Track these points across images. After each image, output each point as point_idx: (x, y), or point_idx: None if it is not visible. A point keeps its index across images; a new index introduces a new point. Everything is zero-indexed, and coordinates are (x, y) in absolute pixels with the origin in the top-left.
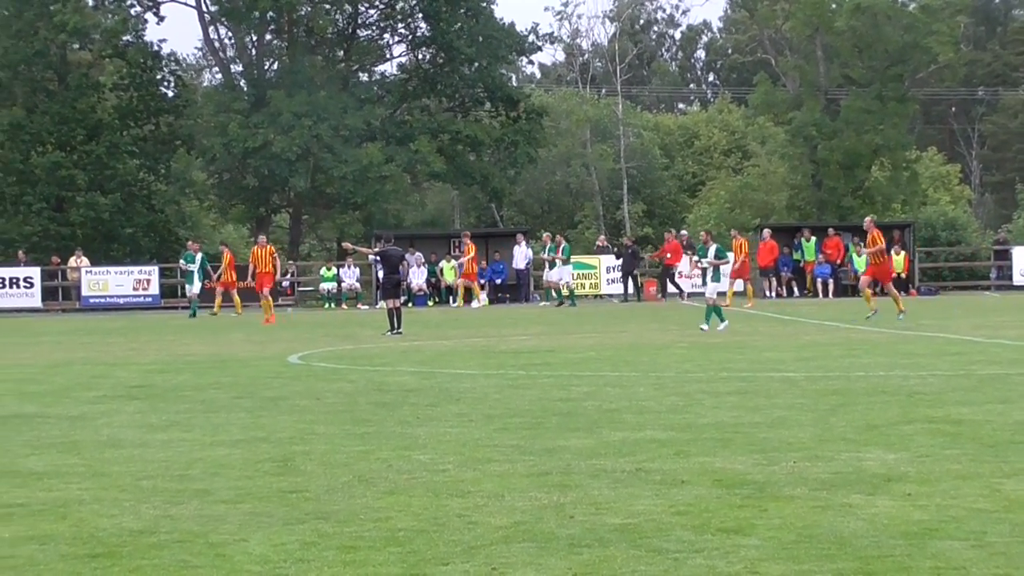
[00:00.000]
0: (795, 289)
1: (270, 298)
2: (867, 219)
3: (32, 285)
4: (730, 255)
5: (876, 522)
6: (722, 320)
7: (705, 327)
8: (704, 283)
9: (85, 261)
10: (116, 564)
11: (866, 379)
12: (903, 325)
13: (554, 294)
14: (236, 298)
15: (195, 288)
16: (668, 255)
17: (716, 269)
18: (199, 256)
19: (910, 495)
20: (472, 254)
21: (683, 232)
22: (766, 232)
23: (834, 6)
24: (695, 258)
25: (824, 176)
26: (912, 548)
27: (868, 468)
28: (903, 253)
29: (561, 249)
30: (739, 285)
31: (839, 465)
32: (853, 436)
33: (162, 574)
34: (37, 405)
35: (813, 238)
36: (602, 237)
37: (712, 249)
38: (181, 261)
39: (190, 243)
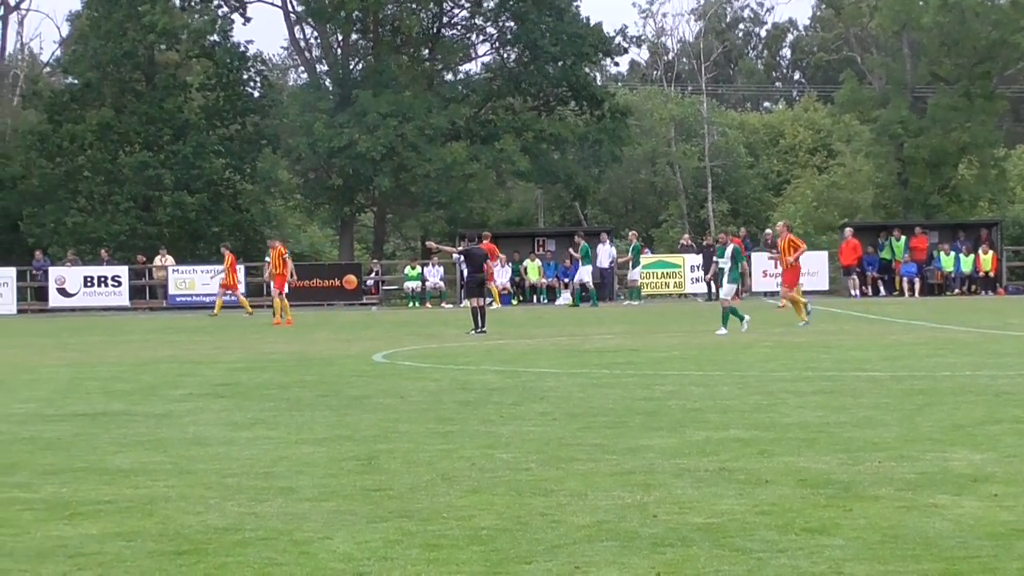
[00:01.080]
0: (881, 288)
1: (284, 299)
2: (780, 223)
3: (120, 284)
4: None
5: (962, 523)
6: (741, 320)
7: (723, 331)
8: (720, 283)
9: (169, 260)
10: (202, 561)
11: (952, 379)
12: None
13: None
14: (243, 299)
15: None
16: None
17: (732, 270)
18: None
19: (997, 496)
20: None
21: (767, 231)
22: (848, 231)
23: (921, 2)
24: (714, 259)
25: (910, 174)
26: (999, 549)
27: (954, 468)
28: (991, 252)
29: (579, 249)
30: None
31: (925, 465)
32: (939, 436)
33: (247, 571)
34: (124, 403)
35: (903, 237)
36: (686, 236)
37: (729, 249)
38: (266, 260)
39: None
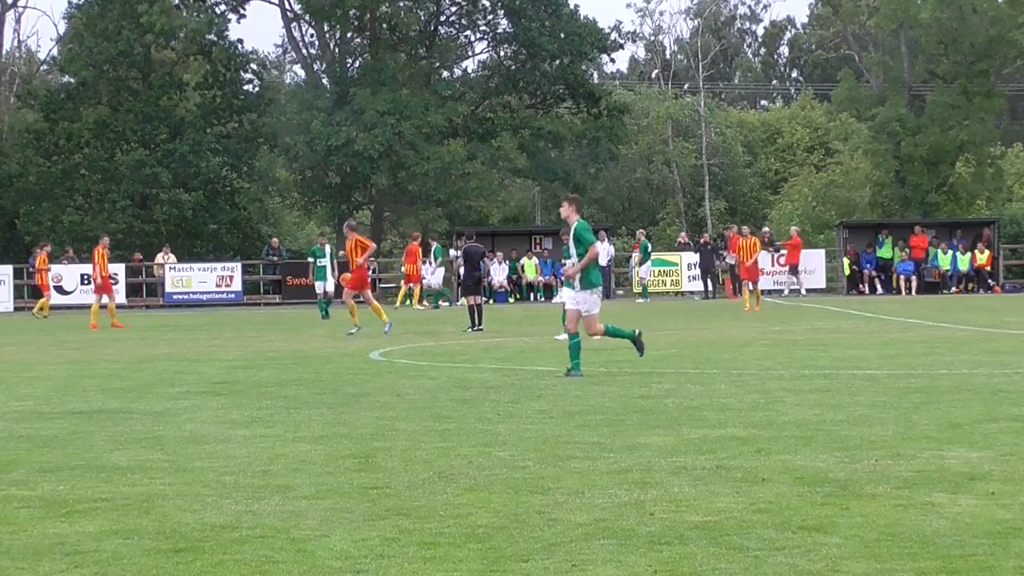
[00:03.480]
0: (878, 286)
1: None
2: (346, 224)
3: (116, 282)
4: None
5: (959, 521)
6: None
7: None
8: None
9: (172, 258)
10: (199, 559)
11: (949, 377)
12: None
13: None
14: (44, 300)
15: (328, 285)
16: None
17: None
18: (328, 249)
19: (994, 494)
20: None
21: (765, 229)
22: (793, 230)
23: (919, 0)
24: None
25: (908, 172)
26: (996, 547)
27: (951, 467)
28: (987, 252)
29: (433, 250)
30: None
31: (922, 463)
32: (936, 434)
33: (244, 569)
34: (121, 401)
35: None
36: (683, 234)
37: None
38: (309, 258)
39: (320, 238)
